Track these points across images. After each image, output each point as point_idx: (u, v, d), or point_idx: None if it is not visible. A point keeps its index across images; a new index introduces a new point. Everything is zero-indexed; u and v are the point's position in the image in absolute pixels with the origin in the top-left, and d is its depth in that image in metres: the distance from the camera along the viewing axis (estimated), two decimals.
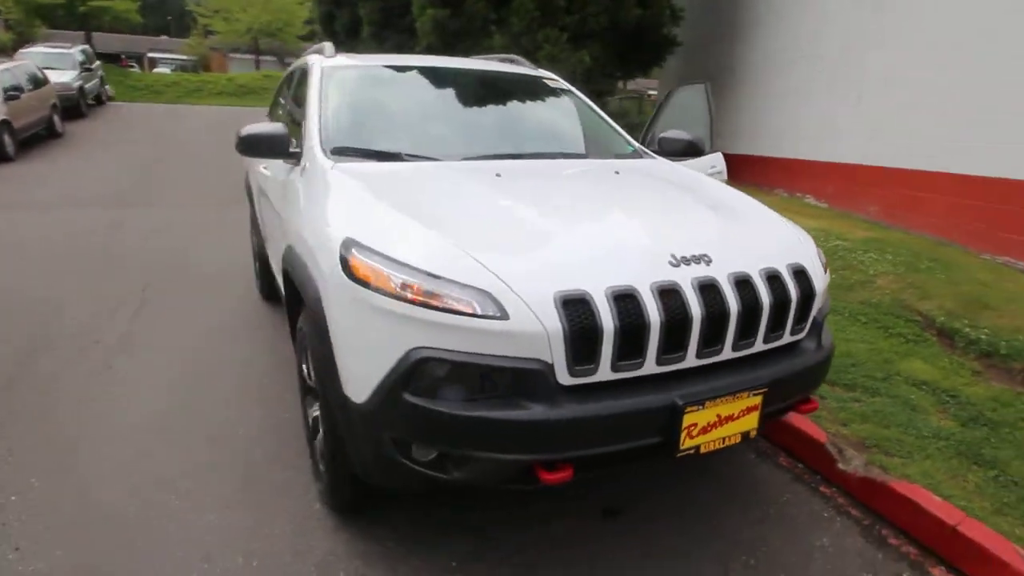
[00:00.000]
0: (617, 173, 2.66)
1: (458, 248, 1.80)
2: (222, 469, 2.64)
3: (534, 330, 1.64)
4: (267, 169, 3.40)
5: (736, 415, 1.86)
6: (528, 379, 1.67)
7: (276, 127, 2.71)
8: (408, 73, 3.27)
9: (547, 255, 1.83)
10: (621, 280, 1.75)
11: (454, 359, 1.67)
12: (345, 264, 1.85)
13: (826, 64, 7.33)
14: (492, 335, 1.65)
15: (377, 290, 1.75)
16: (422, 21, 9.48)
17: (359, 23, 13.69)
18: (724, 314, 1.84)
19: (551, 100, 3.43)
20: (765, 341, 1.97)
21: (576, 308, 1.68)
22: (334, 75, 3.04)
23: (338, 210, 2.14)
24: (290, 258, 2.33)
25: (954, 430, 2.89)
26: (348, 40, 14.72)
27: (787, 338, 2.04)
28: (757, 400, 1.89)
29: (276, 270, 3.38)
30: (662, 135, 3.29)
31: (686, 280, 1.81)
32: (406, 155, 2.59)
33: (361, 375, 1.82)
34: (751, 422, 1.91)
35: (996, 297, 4.17)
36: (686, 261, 1.87)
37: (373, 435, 1.82)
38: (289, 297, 2.57)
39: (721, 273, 1.87)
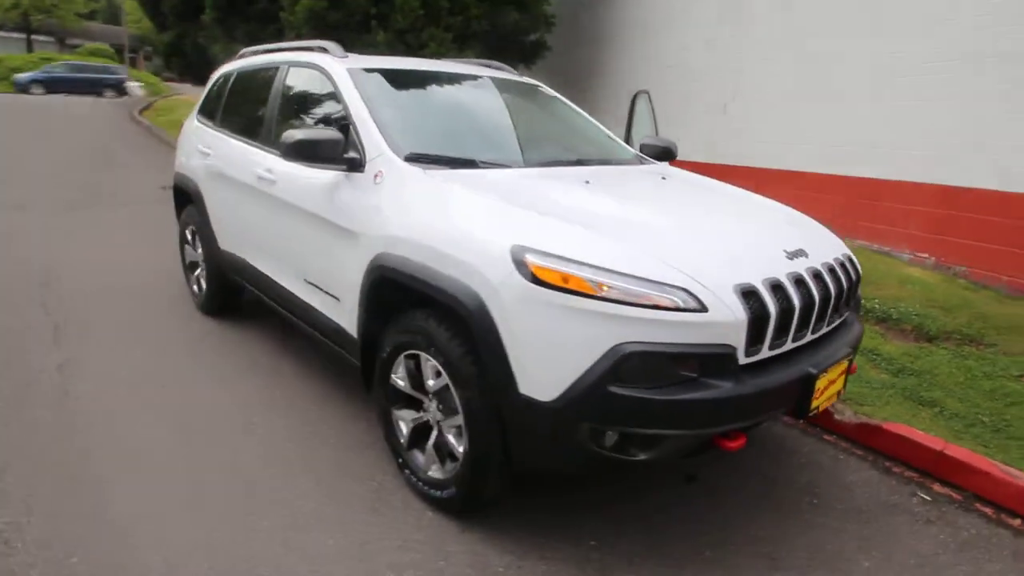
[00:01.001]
0: (664, 179, 2.97)
1: (634, 249, 1.99)
2: (299, 499, 2.49)
3: (728, 319, 1.89)
4: (271, 173, 3.19)
5: (835, 378, 2.28)
6: (718, 362, 1.91)
7: (331, 133, 2.63)
8: (429, 77, 3.27)
9: (703, 253, 2.08)
10: (769, 273, 2.06)
11: (658, 350, 1.86)
12: (524, 270, 1.94)
13: (694, 75, 8.31)
14: (692, 326, 1.87)
15: (572, 292, 1.88)
16: (295, 12, 8.99)
17: (195, 6, 12.45)
18: (828, 296, 2.24)
19: (555, 107, 3.64)
20: (840, 316, 2.42)
21: (750, 298, 1.96)
22: (367, 78, 2.97)
23: (476, 217, 2.18)
24: (400, 265, 2.29)
25: (892, 381, 3.64)
26: (180, 25, 13.32)
27: (846, 313, 2.52)
28: (845, 364, 2.33)
29: (289, 282, 3.20)
30: (642, 141, 3.66)
31: (803, 270, 2.18)
32: (480, 162, 2.66)
33: (550, 373, 1.93)
34: (841, 383, 2.34)
35: (872, 273, 5.20)
36: (794, 255, 2.23)
37: (564, 428, 1.94)
38: (375, 307, 2.51)
39: (818, 263, 2.27)
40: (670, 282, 1.89)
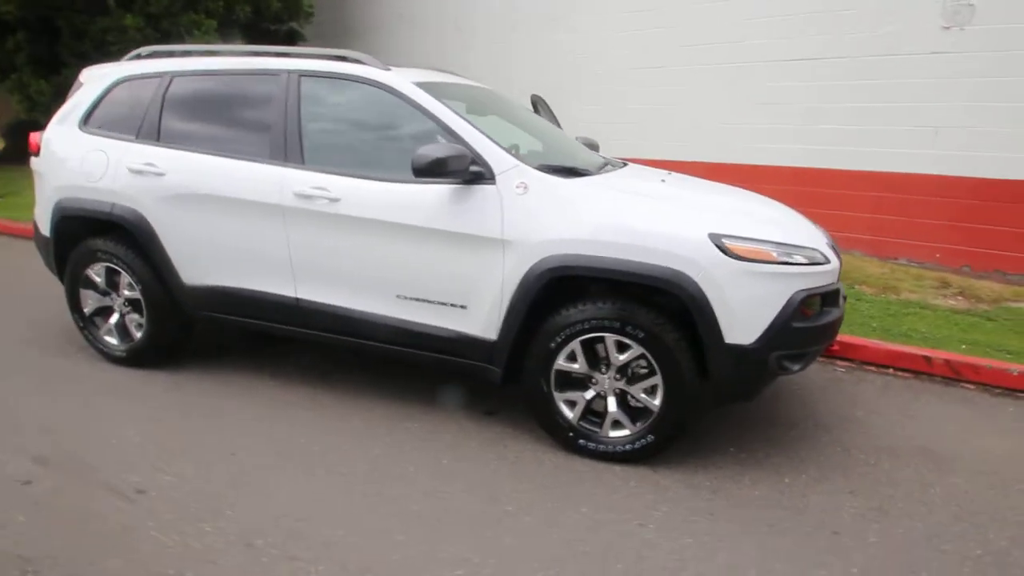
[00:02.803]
0: (670, 173, 3.74)
1: (776, 225, 2.77)
2: (513, 505, 2.68)
3: (835, 267, 2.82)
4: (326, 190, 3.03)
5: None
6: (833, 296, 2.83)
7: (459, 148, 2.77)
8: (461, 89, 3.41)
9: (794, 224, 2.97)
10: (823, 234, 3.05)
11: (814, 292, 2.70)
12: (726, 250, 2.57)
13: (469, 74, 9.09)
14: (824, 274, 2.75)
15: (762, 261, 2.59)
16: None
17: None
18: None
19: (524, 111, 4.06)
20: None
21: (832, 252, 2.92)
22: (437, 92, 3.06)
23: (655, 214, 2.70)
24: (587, 263, 2.67)
25: None
26: None
27: None
28: None
29: (362, 302, 3.13)
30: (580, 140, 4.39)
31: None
32: (580, 170, 3.07)
33: (751, 323, 2.61)
34: None
35: None
36: (814, 223, 3.27)
37: (760, 360, 2.65)
38: (534, 306, 2.78)
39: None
40: (809, 245, 2.74)
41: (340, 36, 10.36)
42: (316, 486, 2.66)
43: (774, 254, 2.62)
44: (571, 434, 2.91)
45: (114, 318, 3.71)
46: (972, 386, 3.89)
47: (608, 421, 2.86)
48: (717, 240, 2.59)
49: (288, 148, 3.14)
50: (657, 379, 2.74)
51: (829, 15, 6.04)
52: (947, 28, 5.48)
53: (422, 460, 2.88)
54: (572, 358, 2.83)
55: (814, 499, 2.69)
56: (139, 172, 3.39)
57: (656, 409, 2.78)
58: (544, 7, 8.27)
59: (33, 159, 3.84)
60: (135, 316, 3.65)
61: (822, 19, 6.08)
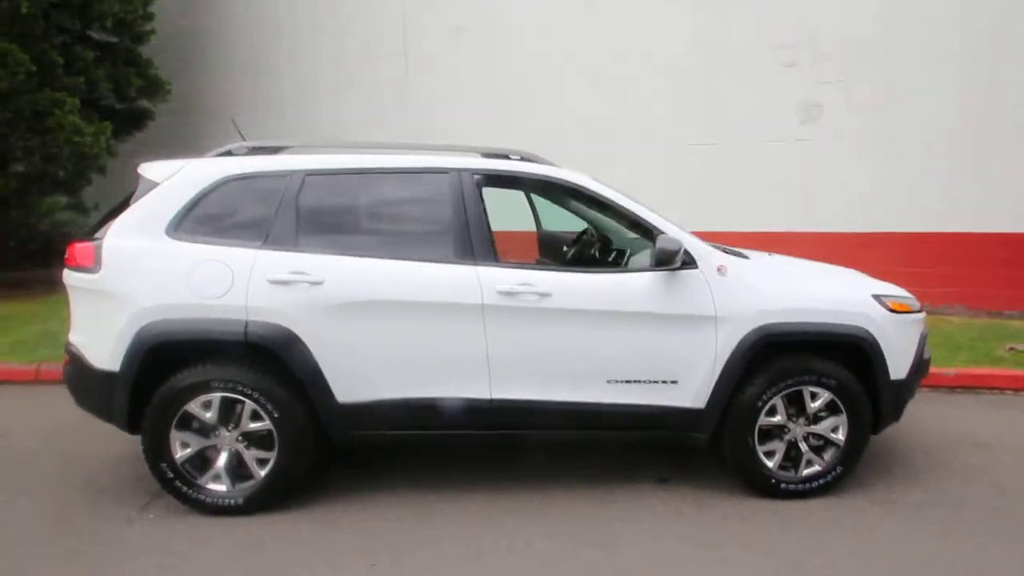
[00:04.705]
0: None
1: (891, 285, 3.55)
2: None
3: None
4: (532, 286, 3.04)
5: None
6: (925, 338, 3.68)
7: (678, 241, 3.08)
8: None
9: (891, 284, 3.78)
10: None
11: (925, 333, 3.51)
12: (887, 308, 3.26)
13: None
14: (925, 318, 3.58)
15: (907, 313, 3.34)
16: None
17: None
18: None
19: None
20: None
21: None
22: (602, 184, 3.34)
23: (831, 281, 3.38)
24: (792, 328, 3.14)
25: None
26: None
27: None
28: None
29: (568, 394, 3.17)
30: None
31: None
32: (730, 251, 3.54)
33: (903, 361, 3.32)
34: None
35: None
36: None
37: (909, 390, 3.37)
38: (745, 371, 3.14)
39: None
40: (913, 296, 3.56)
41: (192, 114, 9.47)
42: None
43: (910, 306, 3.39)
44: (773, 480, 3.27)
45: (222, 459, 3.09)
46: (927, 388, 5.13)
47: (803, 461, 3.30)
48: (879, 300, 3.27)
49: (477, 246, 3.09)
50: (841, 418, 3.26)
51: (713, 109, 7.47)
52: (804, 123, 7.19)
53: (664, 532, 2.98)
54: (772, 412, 3.23)
55: (958, 491, 3.42)
56: (285, 283, 2.98)
57: (842, 444, 3.30)
58: (439, 90, 8.65)
59: (77, 276, 3.08)
60: (255, 451, 3.10)
61: (706, 112, 7.49)
